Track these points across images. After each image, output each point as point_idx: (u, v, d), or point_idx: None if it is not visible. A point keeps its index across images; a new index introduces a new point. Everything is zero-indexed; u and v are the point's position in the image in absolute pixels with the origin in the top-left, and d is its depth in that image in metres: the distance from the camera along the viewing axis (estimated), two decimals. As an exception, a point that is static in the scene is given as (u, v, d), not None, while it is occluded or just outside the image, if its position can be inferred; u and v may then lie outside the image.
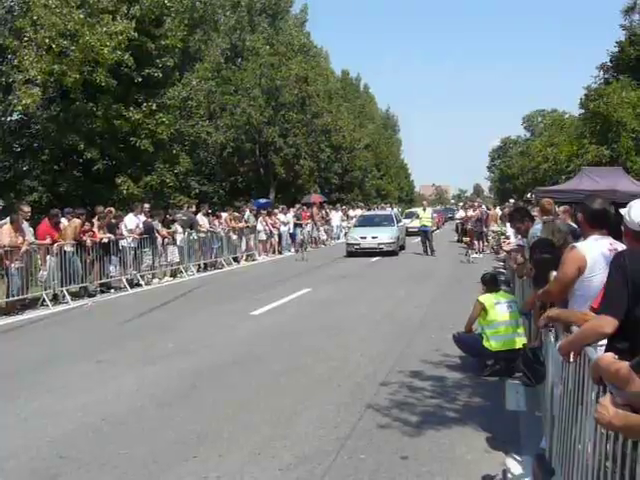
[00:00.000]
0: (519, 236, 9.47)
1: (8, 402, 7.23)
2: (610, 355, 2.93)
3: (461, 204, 36.42)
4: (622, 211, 4.65)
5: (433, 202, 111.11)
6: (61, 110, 22.87)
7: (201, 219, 22.18)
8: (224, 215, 24.43)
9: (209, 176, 38.80)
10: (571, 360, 4.05)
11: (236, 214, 25.52)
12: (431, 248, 26.68)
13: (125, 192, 23.53)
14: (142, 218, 18.30)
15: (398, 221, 30.66)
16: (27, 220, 14.38)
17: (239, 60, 42.26)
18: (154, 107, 24.08)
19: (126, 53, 22.13)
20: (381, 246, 26.62)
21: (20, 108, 21.99)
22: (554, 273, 5.25)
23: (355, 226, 30.12)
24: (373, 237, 26.90)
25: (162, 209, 20.97)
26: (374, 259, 25.03)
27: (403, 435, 6.03)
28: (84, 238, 15.44)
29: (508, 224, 16.72)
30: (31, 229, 14.48)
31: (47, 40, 21.27)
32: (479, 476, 5.16)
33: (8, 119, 24.12)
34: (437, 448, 5.71)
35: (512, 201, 22.88)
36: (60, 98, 22.71)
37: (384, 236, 27.10)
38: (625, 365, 2.67)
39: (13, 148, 24.39)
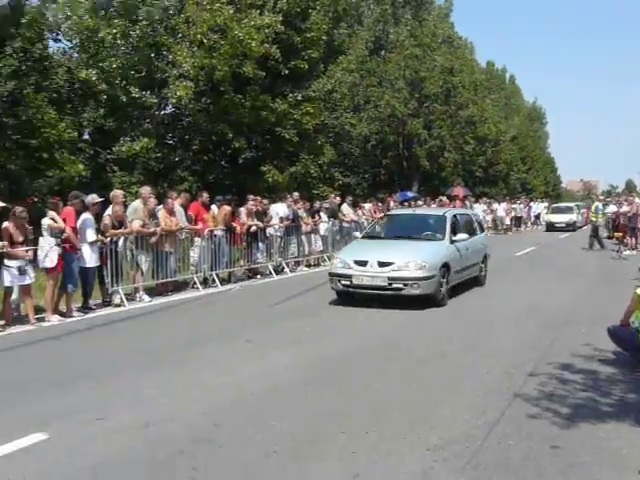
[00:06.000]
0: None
1: (172, 372, 7.64)
2: None
3: (609, 199, 34.47)
4: None
5: (581, 197, 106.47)
6: (211, 102, 23.61)
7: (346, 209, 22.30)
8: (367, 206, 24.43)
9: (352, 168, 38.93)
10: None
11: (380, 205, 25.46)
12: (599, 242, 25.56)
13: (270, 181, 24.00)
14: (290, 208, 18.65)
15: (471, 231, 15.40)
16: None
17: (383, 52, 42.08)
18: (299, 98, 24.42)
19: (273, 46, 22.58)
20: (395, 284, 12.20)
21: (174, 101, 23.03)
22: None
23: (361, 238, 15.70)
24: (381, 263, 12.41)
25: (307, 199, 21.24)
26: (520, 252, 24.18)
27: (553, 425, 5.78)
28: (234, 224, 15.91)
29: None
30: (181, 209, 14.89)
31: (199, 36, 22.20)
32: (637, 471, 4.84)
33: (162, 112, 25.35)
34: (590, 440, 5.44)
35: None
36: (210, 91, 23.43)
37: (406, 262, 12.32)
38: None
39: (166, 140, 25.53)
